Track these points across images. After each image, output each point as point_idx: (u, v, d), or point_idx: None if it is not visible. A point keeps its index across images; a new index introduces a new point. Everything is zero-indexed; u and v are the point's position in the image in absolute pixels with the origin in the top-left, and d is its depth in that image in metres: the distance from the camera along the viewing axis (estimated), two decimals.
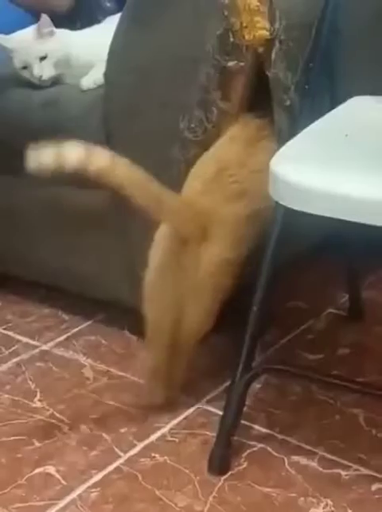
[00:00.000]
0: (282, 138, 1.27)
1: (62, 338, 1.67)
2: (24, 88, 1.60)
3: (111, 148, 1.47)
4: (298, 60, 1.35)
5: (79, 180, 1.45)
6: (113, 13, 1.74)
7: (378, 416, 1.37)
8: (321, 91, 1.35)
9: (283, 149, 1.21)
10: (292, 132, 1.27)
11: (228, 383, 1.35)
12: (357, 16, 1.45)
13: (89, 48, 1.56)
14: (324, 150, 1.21)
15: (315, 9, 1.34)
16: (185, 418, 1.42)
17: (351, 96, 1.36)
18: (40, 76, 1.56)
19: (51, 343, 1.66)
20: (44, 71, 1.56)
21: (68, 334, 1.68)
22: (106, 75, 1.46)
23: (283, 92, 1.34)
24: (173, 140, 1.37)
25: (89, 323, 1.71)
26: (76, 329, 1.70)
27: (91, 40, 1.58)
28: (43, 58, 1.55)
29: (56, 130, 1.53)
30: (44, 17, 1.54)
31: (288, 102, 1.34)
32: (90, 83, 1.56)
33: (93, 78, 1.55)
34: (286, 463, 1.30)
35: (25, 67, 1.57)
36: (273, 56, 1.29)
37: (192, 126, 1.33)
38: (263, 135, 1.32)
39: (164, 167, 1.42)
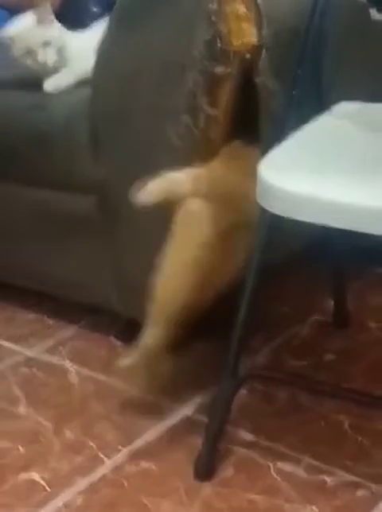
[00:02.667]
0: (268, 145, 1.27)
1: (47, 343, 1.66)
2: (10, 91, 1.60)
3: (98, 152, 1.47)
4: (285, 66, 1.35)
5: (66, 184, 1.46)
6: (99, 17, 1.74)
7: (363, 423, 1.38)
8: (309, 96, 1.35)
9: (270, 155, 1.21)
10: (278, 139, 1.27)
11: (213, 389, 1.35)
12: (345, 22, 1.45)
13: (83, 49, 1.53)
14: (311, 156, 1.21)
15: (302, 16, 1.34)
16: (170, 425, 1.41)
17: (338, 102, 1.36)
18: (45, 62, 1.54)
19: (36, 349, 1.65)
20: (48, 57, 1.54)
21: (54, 339, 1.67)
22: (92, 79, 1.45)
23: (269, 98, 1.34)
24: (160, 145, 1.37)
25: (75, 328, 1.71)
26: (62, 334, 1.69)
27: (86, 42, 1.55)
28: (46, 44, 1.53)
29: (42, 134, 1.53)
30: (45, 5, 1.53)
31: (274, 109, 1.35)
32: (53, 86, 1.56)
33: (58, 81, 1.55)
34: (272, 470, 1.30)
35: (27, 54, 1.54)
36: (260, 62, 1.30)
37: (180, 131, 1.33)
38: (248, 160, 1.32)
39: (151, 172, 1.41)
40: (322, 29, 1.33)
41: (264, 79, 1.32)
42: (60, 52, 1.55)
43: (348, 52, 1.49)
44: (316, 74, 1.36)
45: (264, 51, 1.29)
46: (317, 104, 1.37)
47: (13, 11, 1.68)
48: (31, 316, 1.76)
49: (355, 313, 1.66)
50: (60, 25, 1.58)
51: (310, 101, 1.35)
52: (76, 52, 1.50)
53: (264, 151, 1.23)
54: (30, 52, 1.54)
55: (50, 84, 1.56)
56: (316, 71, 1.36)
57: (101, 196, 1.50)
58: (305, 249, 1.63)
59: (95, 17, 1.74)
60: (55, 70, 1.56)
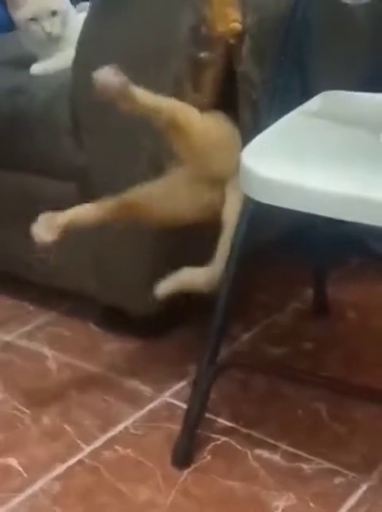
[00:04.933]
0: (248, 133, 1.27)
1: (26, 329, 1.66)
2: None
3: (80, 137, 1.46)
4: (268, 54, 1.35)
5: (47, 169, 1.45)
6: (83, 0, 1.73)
7: (341, 411, 1.38)
8: (292, 85, 1.35)
9: (253, 142, 1.21)
10: (257, 127, 1.27)
11: (192, 376, 1.35)
12: (329, 10, 1.45)
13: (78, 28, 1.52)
14: (294, 144, 1.21)
15: (287, 3, 1.34)
16: (148, 411, 1.41)
17: (321, 91, 1.36)
18: (50, 33, 1.53)
19: (14, 334, 1.64)
20: (54, 28, 1.53)
21: (32, 325, 1.67)
22: (74, 63, 1.44)
23: (250, 87, 1.34)
24: (143, 130, 1.36)
25: (54, 314, 1.70)
26: (40, 320, 1.68)
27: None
28: (54, 13, 1.53)
29: (23, 118, 1.52)
30: None
31: (255, 97, 1.34)
32: (38, 70, 1.55)
33: (46, 66, 1.54)
34: (250, 457, 1.30)
35: (33, 19, 1.53)
36: (244, 50, 1.29)
37: None
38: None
39: (133, 157, 1.41)
40: (307, 17, 1.33)
41: (245, 67, 1.32)
42: (64, 25, 1.55)
43: (333, 40, 1.49)
44: (300, 62, 1.36)
45: (248, 38, 1.29)
46: (301, 93, 1.37)
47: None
48: (9, 301, 1.75)
49: (334, 302, 1.67)
50: None
51: (294, 89, 1.35)
52: (70, 38, 1.49)
53: (247, 138, 1.23)
54: (37, 19, 1.53)
55: (37, 68, 1.55)
56: (300, 60, 1.36)
57: (82, 182, 1.49)
58: (285, 237, 1.63)
59: (80, 1, 1.72)
60: (56, 41, 1.56)
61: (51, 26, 1.54)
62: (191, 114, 1.24)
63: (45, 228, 1.28)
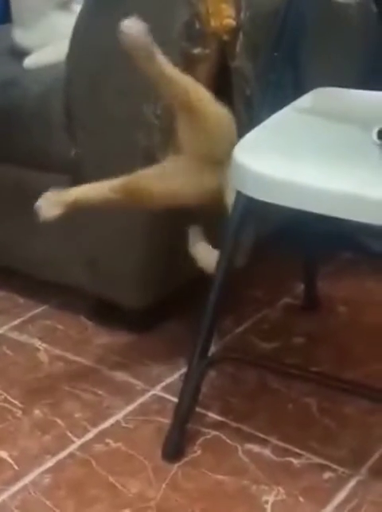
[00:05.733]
0: (242, 128, 1.27)
1: (17, 321, 1.66)
2: None
3: (73, 130, 1.46)
4: (261, 50, 1.35)
5: (40, 162, 1.44)
6: None
7: (331, 406, 1.39)
8: (286, 81, 1.35)
9: (246, 138, 1.21)
10: (252, 122, 1.27)
11: (183, 370, 1.35)
12: (321, 7, 1.45)
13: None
14: (286, 140, 1.22)
15: (279, 1, 1.34)
16: (139, 404, 1.42)
17: (314, 87, 1.36)
18: None
19: (5, 327, 1.64)
20: None
21: (24, 318, 1.67)
22: (68, 57, 1.44)
23: (245, 82, 1.34)
24: (136, 124, 1.36)
25: (45, 307, 1.70)
26: (32, 313, 1.68)
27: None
28: None
29: (17, 111, 1.51)
30: None
31: (248, 92, 1.35)
32: (31, 63, 1.55)
33: (37, 58, 1.54)
34: (240, 451, 1.31)
35: None
36: (237, 45, 1.29)
37: (158, 111, 1.32)
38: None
39: (127, 151, 1.41)
40: (301, 13, 1.33)
41: (239, 62, 1.32)
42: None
43: (325, 37, 1.50)
44: (293, 58, 1.36)
45: (241, 35, 1.29)
46: (294, 89, 1.37)
47: None
48: (1, 293, 1.75)
49: (325, 297, 1.68)
50: None
51: (287, 86, 1.36)
52: (64, 31, 1.48)
53: (240, 134, 1.23)
54: None
55: (31, 61, 1.55)
56: (293, 56, 1.36)
57: (75, 176, 1.49)
58: (276, 232, 1.64)
59: None
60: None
61: None
62: (204, 95, 1.24)
63: (49, 205, 1.27)
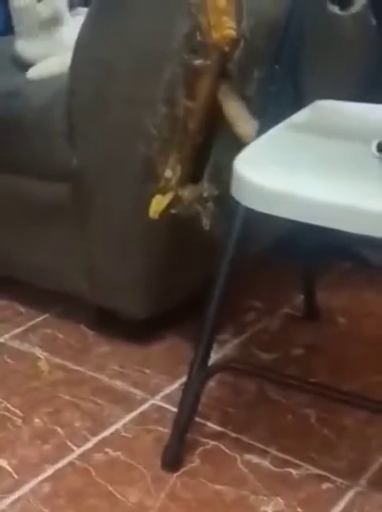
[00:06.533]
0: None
1: (18, 330, 1.66)
2: None
3: (74, 140, 1.47)
4: (263, 60, 1.35)
5: (41, 171, 1.44)
6: (79, 6, 1.74)
7: (330, 417, 1.39)
8: (286, 94, 1.36)
9: (246, 150, 1.21)
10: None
11: (183, 380, 1.35)
12: (319, 20, 1.46)
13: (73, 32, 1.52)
14: (286, 153, 1.22)
15: (282, 10, 1.35)
16: (139, 414, 1.42)
17: (314, 100, 1.37)
18: (57, 9, 1.58)
19: (6, 336, 1.65)
20: (59, 4, 1.58)
21: (24, 326, 1.67)
22: (71, 67, 1.45)
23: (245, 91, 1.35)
24: (137, 135, 1.37)
25: (46, 316, 1.70)
26: (33, 322, 1.69)
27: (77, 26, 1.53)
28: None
29: (19, 122, 1.52)
30: None
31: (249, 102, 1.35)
32: (34, 74, 1.56)
33: (40, 69, 1.55)
34: (239, 461, 1.31)
35: (25, 7, 1.58)
36: (237, 54, 1.30)
37: (157, 122, 1.33)
38: None
39: (127, 161, 1.42)
40: (301, 26, 1.34)
41: (239, 72, 1.32)
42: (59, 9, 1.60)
43: (325, 50, 1.50)
44: (293, 71, 1.37)
45: (242, 43, 1.29)
46: (294, 102, 1.38)
47: None
48: (2, 302, 1.75)
49: (324, 308, 1.68)
50: None
51: (287, 98, 1.36)
52: (70, 41, 1.50)
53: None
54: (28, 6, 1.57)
55: (34, 72, 1.56)
56: (293, 69, 1.36)
57: (75, 185, 1.50)
58: (276, 243, 1.64)
59: (75, 6, 1.73)
60: (52, 23, 1.60)
61: (56, 4, 1.58)
62: None
63: None
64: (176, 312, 1.57)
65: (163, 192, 1.35)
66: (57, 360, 1.57)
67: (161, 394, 1.46)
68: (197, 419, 1.35)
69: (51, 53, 1.60)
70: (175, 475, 1.28)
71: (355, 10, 1.17)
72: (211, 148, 1.34)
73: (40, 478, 1.29)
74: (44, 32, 1.60)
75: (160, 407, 1.44)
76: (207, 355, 1.31)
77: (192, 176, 1.35)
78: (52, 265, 1.62)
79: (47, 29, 1.59)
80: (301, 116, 1.33)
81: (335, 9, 1.29)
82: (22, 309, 1.73)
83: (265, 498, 1.23)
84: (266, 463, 1.31)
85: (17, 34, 1.65)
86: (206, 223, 1.36)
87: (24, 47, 1.63)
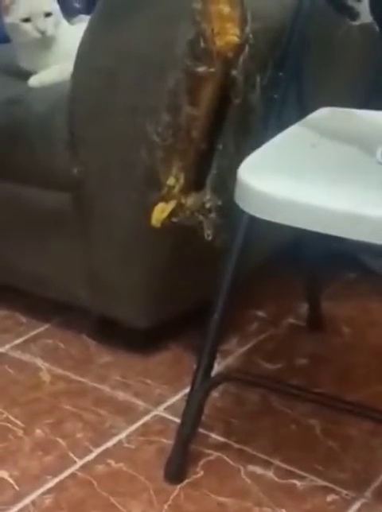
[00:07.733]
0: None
1: (19, 340, 1.65)
2: None
3: (76, 148, 1.46)
4: (266, 65, 1.35)
5: (41, 180, 1.43)
6: (81, 13, 1.74)
7: (334, 427, 1.38)
8: (290, 100, 1.35)
9: (251, 157, 1.21)
10: (258, 142, 1.27)
11: (186, 390, 1.34)
12: (325, 28, 1.45)
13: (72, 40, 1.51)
14: (291, 160, 1.21)
15: (287, 16, 1.34)
16: (142, 425, 1.41)
17: (318, 107, 1.36)
18: (45, 31, 1.57)
19: (8, 346, 1.63)
20: (48, 27, 1.58)
21: (26, 337, 1.66)
22: (73, 75, 1.44)
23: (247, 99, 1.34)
24: (140, 142, 1.36)
25: (47, 326, 1.69)
26: (34, 332, 1.67)
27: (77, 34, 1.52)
28: (48, 15, 1.58)
29: (20, 129, 1.52)
30: None
31: (253, 111, 1.35)
32: (36, 82, 1.56)
33: (42, 77, 1.54)
34: (242, 473, 1.30)
35: (27, 20, 1.57)
36: (241, 59, 1.29)
37: (160, 129, 1.32)
38: None
39: (129, 169, 1.41)
40: (305, 33, 1.33)
41: (243, 79, 1.32)
42: (56, 27, 1.60)
43: (329, 57, 1.50)
44: (297, 78, 1.36)
45: (246, 48, 1.29)
46: (298, 109, 1.37)
47: None
48: (2, 312, 1.74)
49: (328, 317, 1.67)
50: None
51: (291, 105, 1.36)
52: (70, 49, 1.49)
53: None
54: (31, 19, 1.57)
55: (36, 80, 1.56)
56: (297, 76, 1.36)
57: (76, 194, 1.49)
58: (280, 252, 1.63)
59: (77, 13, 1.73)
60: (49, 42, 1.60)
61: (45, 26, 1.58)
62: None
63: None
64: (178, 322, 1.56)
65: (166, 199, 1.34)
66: (59, 370, 1.55)
67: (164, 405, 1.45)
68: (200, 430, 1.34)
69: (51, 63, 1.60)
70: (178, 486, 1.27)
71: (368, 20, 1.16)
72: (214, 155, 1.34)
73: (41, 489, 1.27)
74: (40, 47, 1.60)
75: (163, 418, 1.42)
76: (210, 365, 1.29)
77: (196, 183, 1.35)
78: (53, 274, 1.61)
79: (42, 44, 1.60)
80: (305, 123, 1.32)
81: (345, 19, 1.29)
82: (23, 319, 1.72)
83: (269, 510, 1.22)
84: (270, 474, 1.29)
85: (15, 46, 1.65)
86: (208, 233, 1.36)
87: (22, 59, 1.63)
